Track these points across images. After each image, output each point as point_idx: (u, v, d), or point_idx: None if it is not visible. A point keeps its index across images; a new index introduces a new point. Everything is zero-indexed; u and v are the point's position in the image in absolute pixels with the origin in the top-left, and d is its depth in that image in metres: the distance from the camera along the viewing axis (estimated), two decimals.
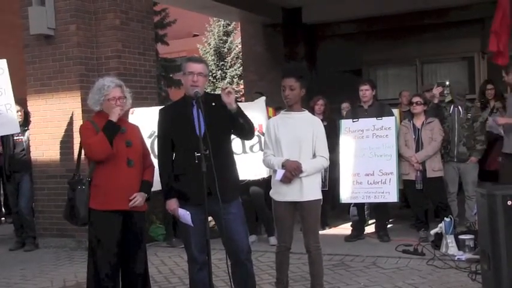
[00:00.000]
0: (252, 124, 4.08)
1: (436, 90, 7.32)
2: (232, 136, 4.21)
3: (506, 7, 7.35)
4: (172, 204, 3.99)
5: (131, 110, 6.61)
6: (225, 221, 3.94)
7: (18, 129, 7.14)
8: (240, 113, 3.95)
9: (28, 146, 7.49)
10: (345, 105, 8.27)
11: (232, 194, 4.03)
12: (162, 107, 4.43)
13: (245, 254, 4.07)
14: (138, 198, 4.18)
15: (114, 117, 4.14)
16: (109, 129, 4.10)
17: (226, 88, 3.91)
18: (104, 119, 4.21)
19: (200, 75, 3.95)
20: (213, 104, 3.99)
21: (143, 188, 4.25)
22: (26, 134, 7.50)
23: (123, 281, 4.32)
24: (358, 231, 6.94)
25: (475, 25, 10.92)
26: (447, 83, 7.40)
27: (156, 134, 4.32)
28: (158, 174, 4.10)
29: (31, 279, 5.88)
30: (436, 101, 7.21)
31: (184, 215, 3.92)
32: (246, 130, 4.05)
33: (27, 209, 7.47)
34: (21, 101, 7.48)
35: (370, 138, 6.73)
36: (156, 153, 4.25)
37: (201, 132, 3.78)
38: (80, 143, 4.30)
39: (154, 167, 4.37)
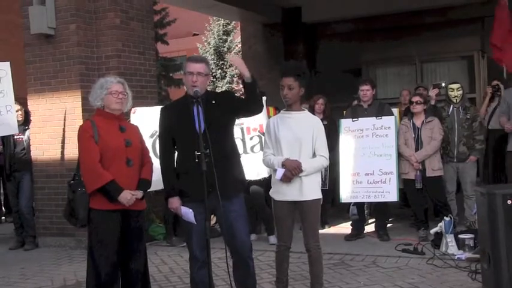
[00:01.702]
0: (260, 97, 4.03)
1: (433, 92, 7.32)
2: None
3: (506, 21, 7.80)
4: (174, 202, 4.00)
5: (133, 109, 6.63)
6: (228, 219, 3.96)
7: (16, 131, 7.14)
8: (255, 82, 3.91)
9: (28, 145, 7.50)
10: (355, 104, 8.16)
11: (234, 191, 4.03)
12: (163, 106, 4.42)
13: (247, 251, 4.08)
14: (137, 194, 4.19)
15: (120, 197, 4.09)
16: (110, 191, 4.08)
17: (235, 60, 3.95)
18: (104, 118, 4.22)
19: (200, 75, 3.94)
20: (213, 102, 3.99)
21: (140, 186, 4.25)
22: (27, 133, 7.50)
23: (123, 280, 4.31)
24: (358, 231, 6.95)
25: (474, 24, 10.93)
26: (443, 84, 7.39)
27: (157, 133, 4.33)
28: (159, 173, 4.11)
29: (31, 278, 5.88)
30: (433, 102, 7.21)
31: (187, 213, 3.93)
32: (257, 103, 3.99)
33: (28, 208, 7.47)
34: (21, 100, 7.49)
35: (370, 137, 6.73)
36: (158, 152, 4.25)
37: (201, 131, 3.79)
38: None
39: (152, 163, 4.37)
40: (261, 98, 4.02)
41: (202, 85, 3.95)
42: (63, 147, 7.23)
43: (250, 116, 4.28)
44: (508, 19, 8.15)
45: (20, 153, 7.49)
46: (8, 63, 7.02)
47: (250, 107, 4.05)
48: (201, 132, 3.79)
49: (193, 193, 3.90)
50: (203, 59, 4.12)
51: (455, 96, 6.92)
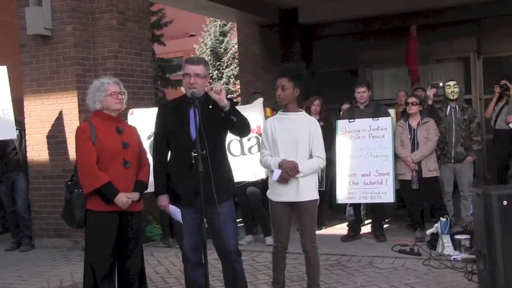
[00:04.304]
0: (246, 120, 4.05)
1: (430, 92, 7.34)
2: (231, 138, 4.22)
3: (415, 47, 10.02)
4: (163, 200, 4.02)
5: (130, 110, 6.63)
6: (216, 221, 3.96)
7: (14, 135, 7.09)
8: (232, 110, 3.91)
9: (20, 145, 7.42)
10: (346, 106, 8.19)
11: (224, 196, 4.00)
12: (161, 103, 4.39)
13: (233, 255, 4.06)
14: (133, 196, 4.20)
15: (116, 199, 4.09)
16: (106, 193, 4.08)
17: (212, 89, 3.86)
18: (102, 119, 4.22)
19: (197, 76, 3.93)
20: (210, 106, 3.98)
21: (137, 188, 4.25)
22: (16, 133, 7.38)
23: (120, 281, 4.31)
24: (354, 231, 6.96)
25: (471, 25, 10.95)
26: (440, 84, 7.41)
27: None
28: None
29: (27, 280, 5.87)
30: (430, 102, 7.23)
31: (175, 211, 3.95)
32: (240, 127, 4.02)
33: (24, 208, 7.43)
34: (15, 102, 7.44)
35: (367, 138, 6.74)
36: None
37: (196, 133, 3.81)
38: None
39: (149, 165, 4.37)
40: (246, 124, 4.04)
41: (200, 87, 3.93)
42: (59, 149, 7.22)
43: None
44: (416, 45, 10.11)
45: (11, 153, 7.41)
46: (4, 68, 7.00)
47: (235, 132, 4.15)
48: (197, 135, 3.80)
49: (183, 195, 3.91)
50: (201, 61, 4.07)
51: (452, 92, 6.94)
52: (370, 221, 7.25)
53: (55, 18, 7.17)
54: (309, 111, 7.12)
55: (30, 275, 6.07)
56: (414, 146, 6.66)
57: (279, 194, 4.34)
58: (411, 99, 6.79)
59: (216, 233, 4.01)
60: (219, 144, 4.09)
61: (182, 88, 4.13)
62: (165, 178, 4.02)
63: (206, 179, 3.71)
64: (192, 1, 10.51)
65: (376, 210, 6.97)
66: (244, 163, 6.33)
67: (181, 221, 3.93)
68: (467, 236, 5.80)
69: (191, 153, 3.74)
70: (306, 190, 4.30)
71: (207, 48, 30.14)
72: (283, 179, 4.25)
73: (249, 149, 6.63)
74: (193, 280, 4.03)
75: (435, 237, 6.05)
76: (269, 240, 6.61)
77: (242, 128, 4.04)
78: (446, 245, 5.85)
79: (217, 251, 4.08)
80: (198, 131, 3.82)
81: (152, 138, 6.11)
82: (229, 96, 26.57)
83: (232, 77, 28.88)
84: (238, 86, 21.61)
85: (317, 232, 4.57)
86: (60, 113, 7.18)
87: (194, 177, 3.69)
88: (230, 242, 4.04)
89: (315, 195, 4.38)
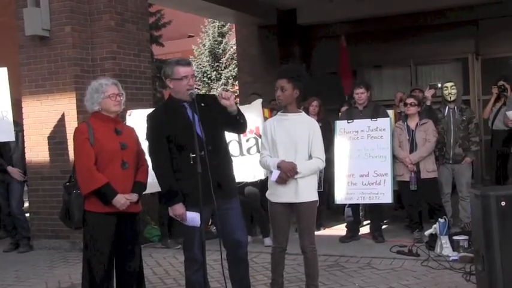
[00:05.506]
0: (245, 118, 4.15)
1: (429, 93, 7.35)
2: (230, 138, 4.25)
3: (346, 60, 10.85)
4: (179, 209, 3.95)
5: (128, 111, 6.63)
6: (226, 216, 4.02)
7: (13, 137, 7.05)
8: (240, 112, 4.03)
9: (15, 147, 7.40)
10: (345, 109, 8.15)
11: (232, 190, 4.16)
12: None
13: (244, 249, 4.14)
14: (131, 197, 4.19)
15: (114, 200, 4.09)
16: (104, 194, 4.08)
17: (221, 94, 3.93)
18: (100, 120, 4.21)
19: (192, 77, 4.02)
20: (202, 104, 4.01)
21: (135, 189, 4.24)
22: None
23: (118, 282, 4.32)
24: (353, 232, 6.96)
25: (469, 27, 10.97)
26: (439, 85, 7.43)
27: None
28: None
29: (25, 281, 5.86)
30: (428, 103, 7.24)
31: (195, 217, 3.91)
32: (242, 126, 4.14)
33: (19, 209, 7.40)
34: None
35: (365, 139, 6.75)
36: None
37: (201, 134, 3.87)
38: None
39: (148, 166, 4.34)
40: (246, 122, 4.16)
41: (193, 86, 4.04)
42: (57, 150, 7.21)
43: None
44: (346, 56, 10.93)
45: (6, 154, 7.35)
46: (4, 69, 6.99)
47: (234, 130, 4.34)
48: (196, 136, 3.81)
49: (195, 197, 3.88)
50: (190, 61, 4.20)
51: (449, 94, 6.96)
52: (368, 222, 7.25)
53: (53, 19, 7.15)
54: (307, 112, 7.10)
55: (28, 276, 6.06)
56: (412, 147, 6.66)
57: (278, 195, 4.34)
58: (409, 100, 6.79)
59: (227, 227, 4.05)
60: (221, 140, 4.15)
61: (174, 91, 4.12)
62: (175, 186, 3.95)
63: (215, 177, 3.80)
64: (190, 2, 10.52)
65: (374, 211, 6.97)
66: (243, 164, 6.33)
67: (200, 225, 3.90)
68: (466, 237, 5.81)
69: (198, 154, 3.76)
70: (305, 191, 4.30)
71: (205, 49, 30.11)
72: (282, 180, 4.25)
73: (248, 150, 6.63)
74: (196, 280, 4.03)
75: (433, 238, 6.05)
76: (267, 241, 6.61)
77: (243, 126, 4.15)
78: (444, 246, 5.86)
79: (228, 245, 4.10)
80: (202, 132, 3.89)
81: None
82: None
83: (230, 78, 28.86)
84: (236, 87, 21.61)
85: (316, 233, 4.57)
86: (59, 114, 7.17)
87: (202, 177, 3.74)
88: (242, 237, 4.14)
89: (314, 196, 4.38)
